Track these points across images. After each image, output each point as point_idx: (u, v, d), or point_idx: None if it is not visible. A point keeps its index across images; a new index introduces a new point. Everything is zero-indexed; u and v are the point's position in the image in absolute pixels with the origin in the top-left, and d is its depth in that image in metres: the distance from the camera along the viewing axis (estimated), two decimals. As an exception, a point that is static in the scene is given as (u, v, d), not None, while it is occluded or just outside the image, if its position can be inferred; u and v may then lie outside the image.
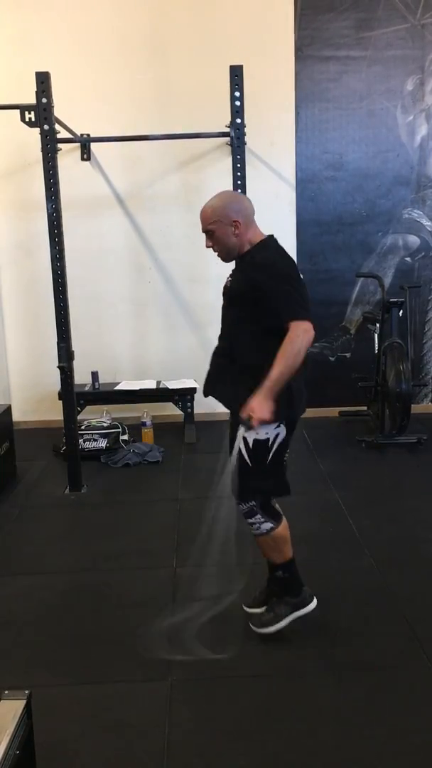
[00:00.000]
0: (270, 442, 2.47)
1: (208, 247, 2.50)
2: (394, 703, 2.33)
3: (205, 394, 2.62)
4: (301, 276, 2.49)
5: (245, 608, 2.82)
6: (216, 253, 2.51)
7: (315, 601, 2.69)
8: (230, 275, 2.57)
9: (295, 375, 2.36)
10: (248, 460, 2.48)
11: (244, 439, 2.45)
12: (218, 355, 2.57)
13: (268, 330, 2.35)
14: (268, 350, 2.31)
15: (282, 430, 2.48)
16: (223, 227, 2.40)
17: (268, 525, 2.55)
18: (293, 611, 2.65)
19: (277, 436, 2.47)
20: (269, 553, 2.63)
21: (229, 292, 2.53)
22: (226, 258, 2.52)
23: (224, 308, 2.56)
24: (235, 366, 2.49)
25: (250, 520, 2.55)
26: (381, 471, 4.54)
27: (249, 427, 2.37)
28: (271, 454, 2.48)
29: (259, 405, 2.31)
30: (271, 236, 2.52)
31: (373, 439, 4.92)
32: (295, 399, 2.47)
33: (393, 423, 4.91)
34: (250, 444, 2.45)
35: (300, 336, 2.27)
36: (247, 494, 2.53)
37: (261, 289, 2.34)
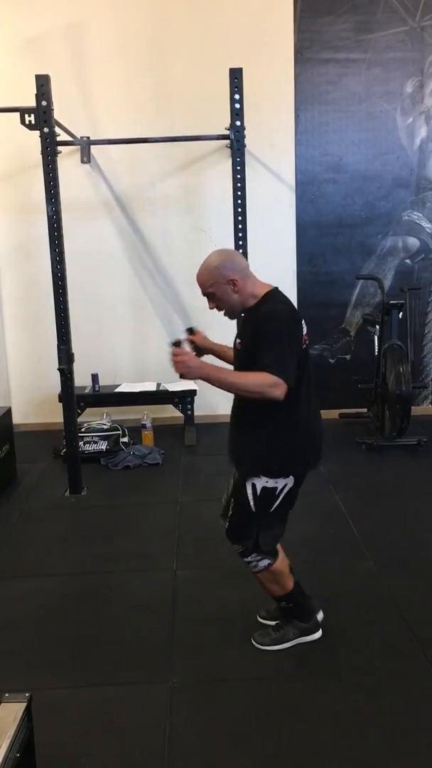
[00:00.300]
0: (277, 491, 2.44)
1: (211, 308, 2.47)
2: (394, 705, 2.34)
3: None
4: (304, 324, 2.41)
5: (259, 619, 2.82)
6: (222, 313, 2.49)
7: (320, 632, 2.69)
8: (237, 335, 2.53)
9: (307, 430, 2.41)
10: (252, 506, 2.45)
11: (253, 486, 2.43)
12: (232, 416, 2.55)
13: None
14: (271, 405, 2.28)
15: (290, 481, 2.45)
16: (221, 287, 2.37)
17: (266, 562, 2.53)
18: (300, 636, 2.66)
19: (285, 486, 2.45)
20: (269, 586, 2.60)
21: (238, 353, 2.49)
22: (231, 315, 2.49)
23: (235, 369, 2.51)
24: (241, 419, 2.48)
25: (247, 559, 2.54)
26: (381, 473, 4.54)
27: (172, 346, 2.37)
28: (276, 504, 2.46)
29: (193, 364, 2.29)
30: (276, 289, 2.46)
31: (373, 441, 4.93)
32: (308, 454, 2.48)
33: (393, 425, 4.91)
34: (258, 491, 2.43)
35: (265, 384, 2.21)
36: (243, 539, 2.52)
37: (259, 337, 2.30)
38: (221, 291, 2.38)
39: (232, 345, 2.61)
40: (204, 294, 2.43)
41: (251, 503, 2.45)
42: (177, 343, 2.42)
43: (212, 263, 2.39)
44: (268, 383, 2.21)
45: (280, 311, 2.35)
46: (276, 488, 2.43)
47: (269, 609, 2.79)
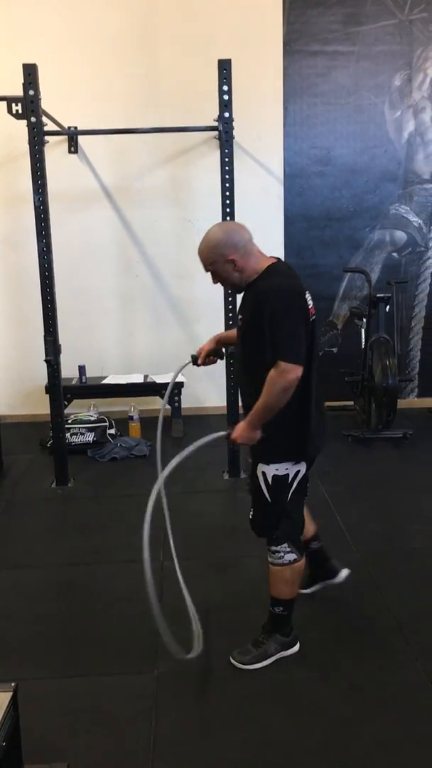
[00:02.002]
0: (289, 479, 2.43)
1: (215, 284, 2.47)
2: (380, 697, 2.36)
3: None
4: (308, 297, 2.37)
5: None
6: (226, 288, 2.49)
7: (298, 646, 2.62)
8: (239, 310, 2.52)
9: (310, 417, 2.40)
10: (268, 497, 2.45)
11: (263, 475, 2.43)
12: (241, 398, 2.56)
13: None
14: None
15: (302, 467, 2.45)
16: (221, 266, 2.35)
17: (292, 556, 2.48)
18: (281, 651, 2.57)
19: (297, 473, 2.44)
20: (281, 585, 2.51)
21: (239, 328, 2.47)
22: (236, 290, 2.49)
23: (239, 349, 2.49)
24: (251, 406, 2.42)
25: (275, 548, 2.48)
26: (367, 465, 4.56)
27: (227, 438, 2.46)
28: (291, 492, 2.45)
29: (242, 429, 2.38)
30: (278, 261, 2.43)
31: (359, 434, 4.95)
32: (315, 438, 2.45)
33: (379, 418, 4.94)
34: (270, 480, 2.43)
35: (279, 377, 2.23)
36: (266, 530, 2.51)
37: (262, 317, 2.27)
38: (221, 269, 2.36)
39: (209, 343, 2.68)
40: (206, 271, 2.42)
41: (266, 494, 2.44)
42: (230, 431, 2.47)
43: (212, 241, 2.36)
44: (276, 380, 2.23)
45: (278, 287, 2.30)
46: (288, 475, 2.42)
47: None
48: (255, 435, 2.37)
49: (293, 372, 2.23)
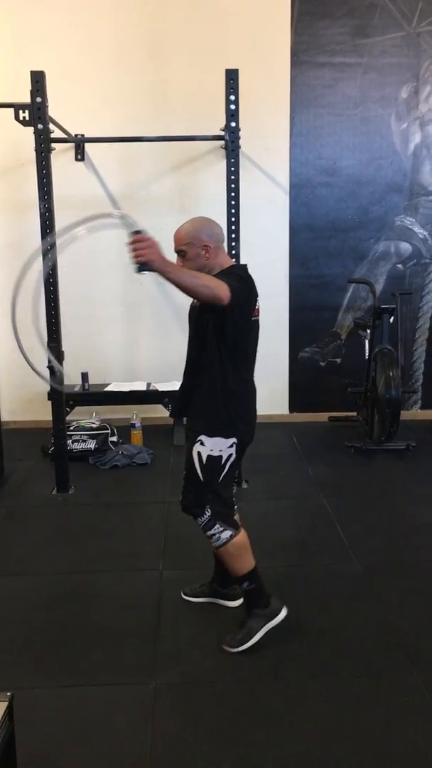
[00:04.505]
0: (222, 461, 2.57)
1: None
2: (379, 709, 2.33)
3: (175, 415, 2.72)
4: (257, 300, 2.58)
5: (183, 596, 2.95)
6: None
7: (285, 609, 2.70)
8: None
9: (249, 399, 2.62)
10: (201, 476, 2.59)
11: (199, 455, 2.57)
12: (184, 376, 2.70)
13: (230, 348, 2.50)
14: (225, 369, 2.50)
15: (234, 451, 2.59)
16: (194, 249, 2.50)
17: (227, 533, 2.60)
18: (266, 623, 2.66)
19: (230, 456, 2.58)
20: (232, 563, 2.64)
21: (193, 311, 2.63)
22: None
23: (190, 331, 2.68)
24: (191, 381, 2.65)
25: (210, 532, 2.61)
26: (369, 477, 4.54)
27: (133, 234, 2.28)
28: (222, 474, 2.59)
29: (158, 253, 2.22)
30: (243, 265, 2.65)
31: (362, 445, 4.93)
32: (247, 424, 2.63)
33: (382, 429, 4.92)
34: (204, 459, 2.56)
35: (217, 285, 2.29)
36: (195, 508, 2.63)
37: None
38: (193, 252, 2.50)
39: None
40: (176, 251, 2.55)
41: (199, 472, 2.58)
42: (138, 233, 2.26)
43: (193, 225, 2.54)
44: (211, 282, 2.30)
45: (237, 276, 2.46)
46: (221, 457, 2.56)
47: (193, 586, 2.93)
48: (156, 262, 2.22)
49: (224, 292, 2.28)
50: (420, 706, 2.35)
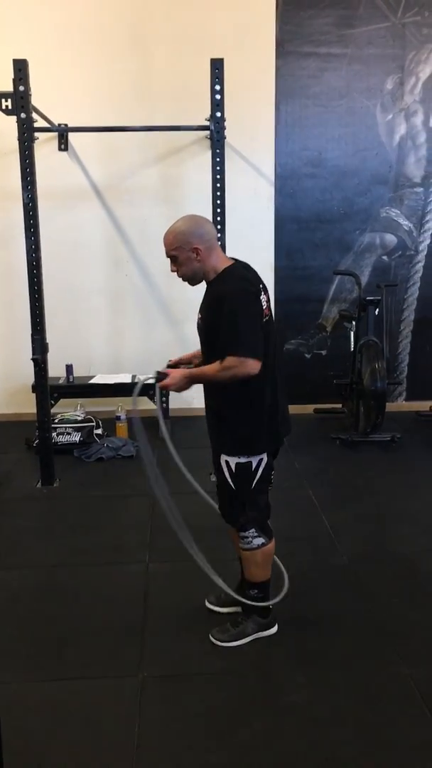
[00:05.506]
0: (253, 467, 2.50)
1: (173, 271, 2.52)
2: (365, 699, 2.34)
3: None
4: (264, 298, 2.47)
5: (207, 604, 2.85)
6: (180, 278, 2.51)
7: (276, 626, 2.70)
8: (199, 311, 2.56)
9: (273, 406, 2.49)
10: (232, 485, 2.53)
11: (227, 464, 2.51)
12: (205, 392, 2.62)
13: None
14: (239, 385, 2.39)
15: (264, 456, 2.52)
16: (184, 253, 2.42)
17: (260, 540, 2.57)
18: (259, 631, 2.66)
19: (260, 461, 2.51)
20: (253, 569, 2.62)
21: (199, 327, 2.56)
22: (191, 282, 2.53)
23: (201, 345, 2.58)
24: (211, 402, 2.57)
25: (243, 533, 2.57)
26: (355, 468, 4.55)
27: (157, 381, 2.50)
28: (255, 480, 2.52)
29: (179, 379, 2.43)
30: (237, 262, 2.52)
31: (347, 437, 4.94)
32: (277, 428, 2.54)
33: (367, 421, 4.94)
34: (233, 468, 2.50)
35: (238, 365, 2.31)
36: (234, 517, 2.59)
37: (221, 318, 2.35)
38: (184, 256, 2.43)
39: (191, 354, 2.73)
40: (167, 256, 2.48)
41: (230, 482, 2.52)
42: (159, 377, 2.50)
43: (180, 227, 2.44)
44: (233, 365, 2.30)
45: (234, 290, 2.38)
46: (251, 463, 2.49)
47: (218, 595, 2.82)
48: (186, 387, 2.46)
49: (252, 366, 2.31)
50: (407, 695, 2.36)
